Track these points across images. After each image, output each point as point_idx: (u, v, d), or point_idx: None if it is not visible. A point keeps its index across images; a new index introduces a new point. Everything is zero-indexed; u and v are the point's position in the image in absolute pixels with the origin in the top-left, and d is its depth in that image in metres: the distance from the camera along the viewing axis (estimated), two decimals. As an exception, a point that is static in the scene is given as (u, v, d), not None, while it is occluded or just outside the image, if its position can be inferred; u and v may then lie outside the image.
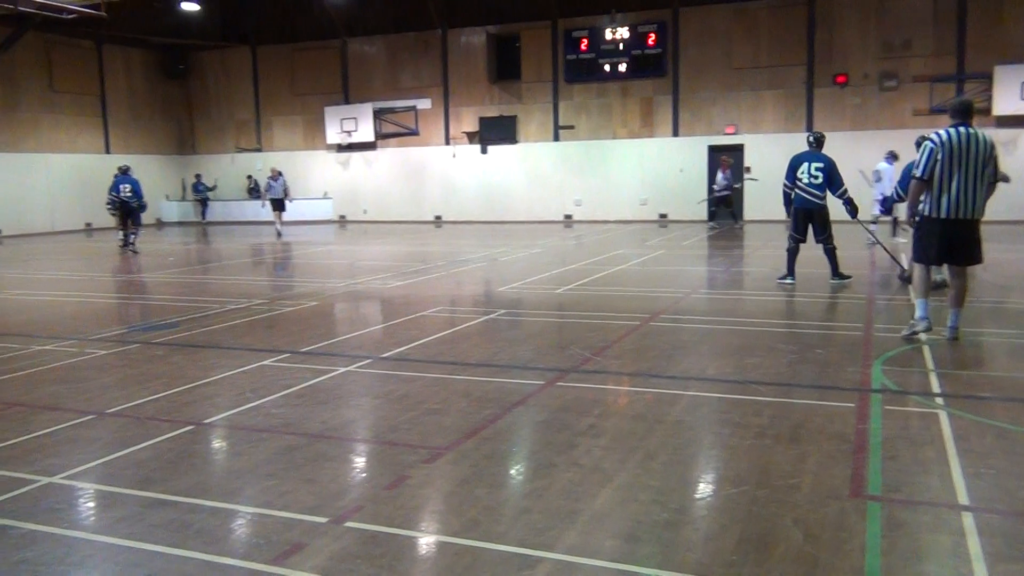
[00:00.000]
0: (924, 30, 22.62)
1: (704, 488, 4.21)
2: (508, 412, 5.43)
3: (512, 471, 4.48)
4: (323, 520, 3.75)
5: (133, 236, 18.89)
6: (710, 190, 23.75)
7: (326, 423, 5.30)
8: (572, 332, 8.39)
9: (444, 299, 10.68)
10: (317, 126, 29.31)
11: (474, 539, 3.55)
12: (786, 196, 11.32)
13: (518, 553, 3.41)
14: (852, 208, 11.11)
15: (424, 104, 27.72)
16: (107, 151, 28.61)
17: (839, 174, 10.91)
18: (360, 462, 4.74)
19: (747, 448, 4.64)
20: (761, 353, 7.08)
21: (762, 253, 15.96)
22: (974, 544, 3.42)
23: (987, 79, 21.67)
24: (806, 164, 10.93)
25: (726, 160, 22.61)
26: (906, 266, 10.86)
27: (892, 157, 16.71)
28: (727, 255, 16.32)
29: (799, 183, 10.96)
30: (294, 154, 29.78)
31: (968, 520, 3.66)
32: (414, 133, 27.90)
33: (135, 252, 18.32)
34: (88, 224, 27.62)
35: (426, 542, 3.62)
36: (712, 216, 23.88)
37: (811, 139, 11.21)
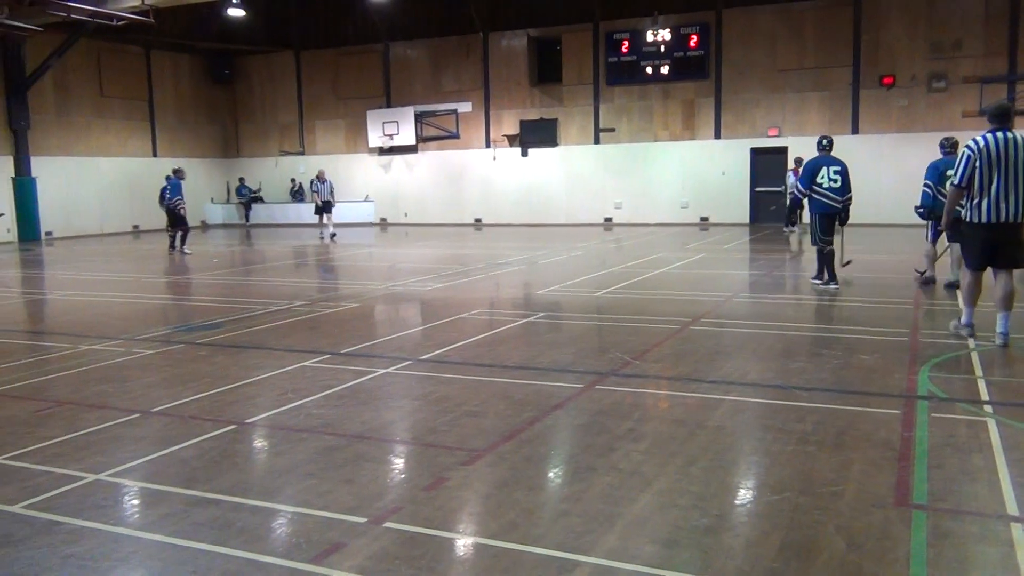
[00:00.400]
0: (975, 30, 22.13)
1: (745, 494, 4.16)
2: (547, 415, 5.42)
3: (550, 474, 4.47)
4: (362, 520, 3.78)
5: (176, 238, 19.24)
6: (786, 194, 22.52)
7: (366, 424, 5.34)
8: (612, 335, 8.36)
9: (483, 302, 10.71)
10: (359, 129, 29.58)
11: (512, 541, 3.55)
12: (796, 201, 11.40)
13: (556, 556, 3.40)
14: (847, 215, 11.09)
15: (465, 107, 27.84)
16: (154, 155, 29.18)
17: (850, 178, 10.88)
18: (399, 463, 4.76)
19: (789, 454, 4.58)
20: (804, 358, 6.98)
21: (807, 256, 15.73)
22: (1023, 555, 3.33)
23: (1040, 80, 21.15)
24: (825, 168, 10.85)
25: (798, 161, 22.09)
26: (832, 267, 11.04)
27: (798, 163, 16.90)
28: (769, 259, 16.12)
29: (818, 188, 10.85)
30: (336, 157, 30.10)
31: (1017, 531, 3.57)
32: (455, 136, 28.03)
33: (184, 254, 18.64)
34: (136, 226, 28.19)
35: (464, 544, 3.62)
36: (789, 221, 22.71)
37: (825, 143, 11.07)
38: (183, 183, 19.70)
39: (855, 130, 23.48)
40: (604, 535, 3.58)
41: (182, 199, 19.45)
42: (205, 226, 30.76)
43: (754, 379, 6.40)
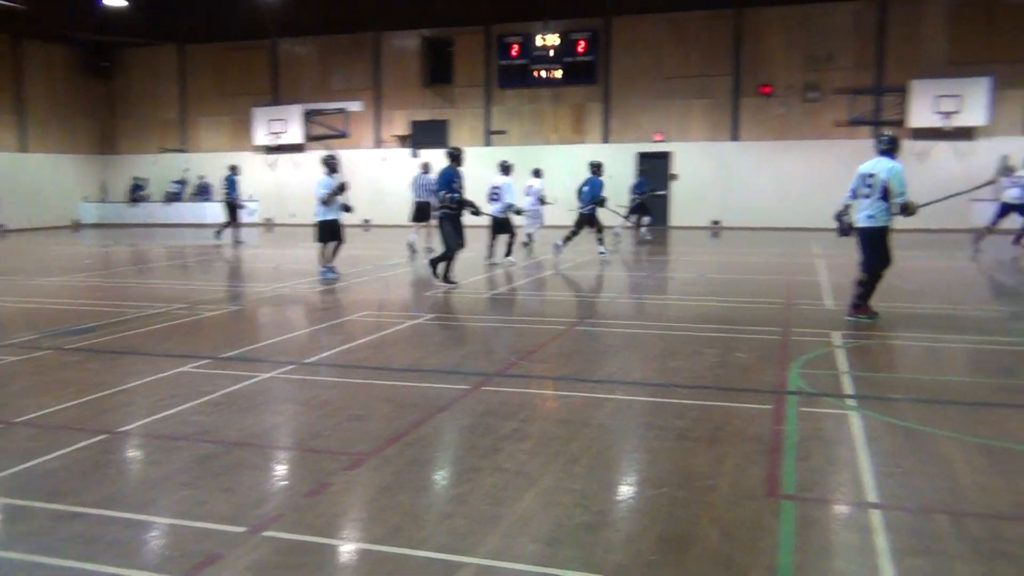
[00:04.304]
0: (845, 44, 23.34)
1: (626, 490, 4.26)
2: (432, 417, 5.41)
3: (435, 476, 4.47)
4: (241, 530, 3.68)
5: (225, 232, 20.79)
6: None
7: (246, 430, 5.20)
8: (499, 337, 8.42)
9: (372, 303, 10.59)
10: (244, 127, 28.75)
11: (396, 546, 3.53)
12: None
13: (440, 559, 3.40)
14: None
15: (355, 107, 27.43)
16: (23, 150, 27.57)
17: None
18: (280, 470, 4.66)
19: (668, 450, 4.72)
20: (683, 357, 7.21)
21: (686, 260, 16.25)
22: (881, 540, 3.54)
23: (902, 92, 22.47)
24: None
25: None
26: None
27: (536, 174, 18.27)
28: (654, 261, 16.55)
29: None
30: (220, 155, 29.11)
31: (876, 517, 3.79)
32: (344, 136, 27.59)
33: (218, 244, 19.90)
34: (2, 225, 26.56)
35: (347, 550, 3.58)
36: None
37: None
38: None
39: (735, 137, 24.41)
40: (488, 535, 3.60)
41: (235, 194, 20.73)
42: (78, 226, 29.26)
43: (636, 378, 6.56)
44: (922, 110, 22.11)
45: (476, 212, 12.28)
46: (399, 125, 27.44)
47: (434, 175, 18.44)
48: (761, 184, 23.66)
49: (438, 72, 27.09)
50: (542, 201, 18.34)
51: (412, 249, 17.31)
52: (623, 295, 11.69)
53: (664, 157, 24.77)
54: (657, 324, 9.30)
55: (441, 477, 4.45)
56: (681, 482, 4.23)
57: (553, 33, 25.03)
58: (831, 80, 23.46)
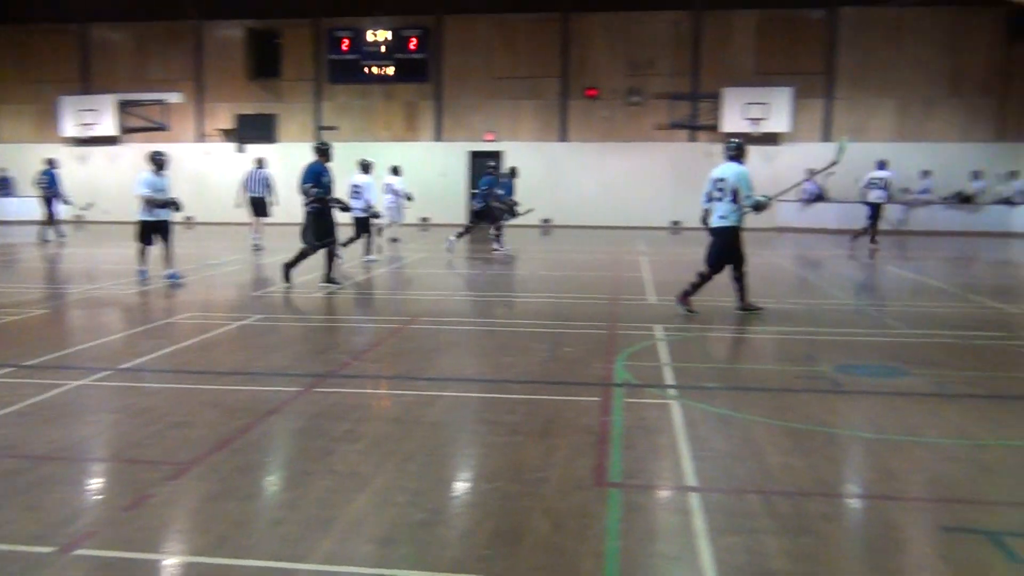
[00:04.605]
0: (665, 51, 24.55)
1: (459, 487, 4.30)
2: (261, 421, 5.24)
3: (264, 482, 4.34)
4: (48, 550, 3.42)
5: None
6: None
7: (55, 443, 4.83)
8: (332, 337, 8.27)
9: (194, 304, 10.10)
10: (51, 117, 26.64)
11: (222, 556, 3.39)
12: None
13: (270, 567, 3.31)
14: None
15: (174, 98, 25.99)
16: None
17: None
18: (94, 484, 4.37)
19: (501, 445, 4.80)
20: (515, 352, 7.35)
21: (519, 258, 16.56)
22: (700, 521, 3.75)
23: (716, 99, 23.91)
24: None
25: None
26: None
27: (394, 171, 18.34)
28: (487, 260, 16.75)
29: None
30: (23, 147, 26.86)
31: (695, 500, 4.01)
32: (162, 128, 26.13)
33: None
34: None
35: (169, 564, 3.41)
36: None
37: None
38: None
39: (564, 138, 25.12)
40: (320, 540, 3.53)
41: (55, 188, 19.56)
42: None
43: (469, 374, 6.63)
44: (734, 116, 23.59)
45: (345, 208, 11.80)
46: (223, 118, 26.30)
47: (269, 170, 18.08)
48: (588, 184, 24.48)
49: (265, 65, 26.20)
50: (408, 198, 18.56)
51: (256, 247, 17.01)
52: (458, 292, 11.77)
53: (496, 156, 25.09)
54: (489, 321, 9.44)
55: (271, 483, 4.33)
56: (513, 476, 4.31)
57: (384, 29, 24.81)
58: (652, 85, 24.61)
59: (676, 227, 24.49)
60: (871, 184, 17.21)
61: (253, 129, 25.91)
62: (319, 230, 11.05)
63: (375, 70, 25.08)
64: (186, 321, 8.92)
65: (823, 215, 22.96)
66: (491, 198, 16.46)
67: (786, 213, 23.73)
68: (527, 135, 25.29)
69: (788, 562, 3.37)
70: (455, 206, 25.38)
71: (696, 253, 16.42)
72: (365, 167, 15.57)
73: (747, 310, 9.25)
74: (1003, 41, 23.20)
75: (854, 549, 3.57)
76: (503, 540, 3.56)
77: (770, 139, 24.00)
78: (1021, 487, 4.27)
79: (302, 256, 11.19)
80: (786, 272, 14.65)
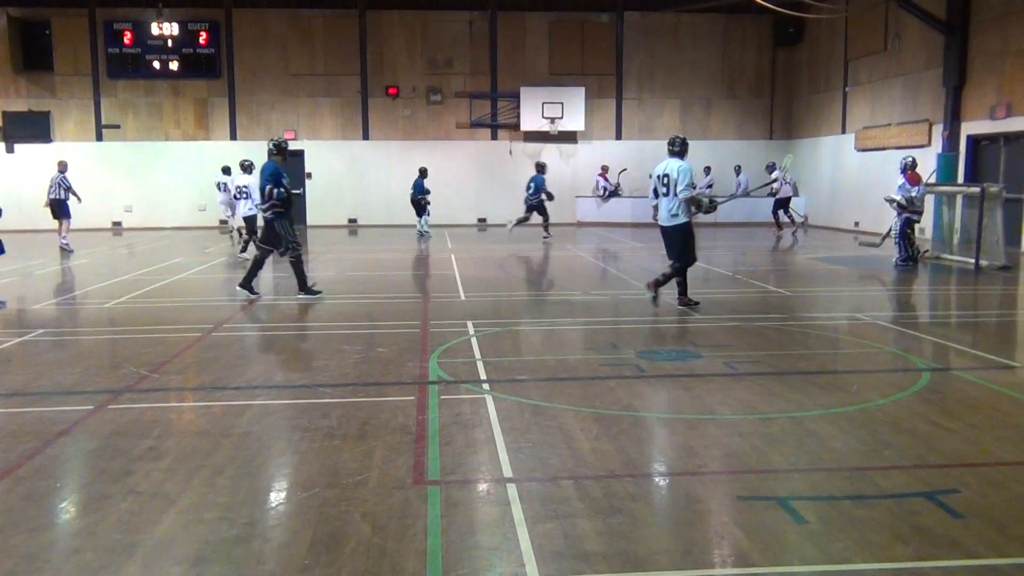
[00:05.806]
0: (463, 51, 24.85)
1: (274, 497, 4.17)
2: (50, 444, 4.82)
3: (57, 510, 3.99)
4: None
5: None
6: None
7: None
8: (126, 349, 7.74)
9: (-37, 322, 9.12)
10: None
11: (10, 595, 3.10)
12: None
13: (67, 601, 3.06)
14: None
15: (-76, 93, 23.35)
16: None
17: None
18: None
19: (316, 451, 4.70)
20: (327, 355, 7.20)
21: (325, 258, 16.24)
22: (518, 511, 3.85)
23: (516, 98, 24.51)
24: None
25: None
26: None
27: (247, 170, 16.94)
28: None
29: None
30: None
31: (512, 490, 4.11)
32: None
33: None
34: None
35: (-55, 610, 3.07)
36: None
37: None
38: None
39: (366, 136, 24.84)
40: (124, 566, 3.31)
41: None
42: None
43: (280, 381, 6.43)
44: (532, 115, 24.31)
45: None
46: (-13, 115, 23.86)
47: (69, 174, 17.14)
48: (393, 183, 24.33)
49: (34, 57, 24.02)
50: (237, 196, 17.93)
51: (65, 250, 16.45)
52: (265, 296, 11.34)
53: (297, 155, 24.43)
54: (299, 325, 9.20)
55: (64, 510, 3.99)
56: (331, 481, 4.23)
57: (169, 22, 23.45)
58: (452, 84, 24.87)
59: (483, 224, 24.89)
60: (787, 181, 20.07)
61: (23, 127, 23.73)
62: (269, 235, 10.53)
63: (161, 65, 23.71)
64: (-48, 340, 8.03)
65: (618, 210, 24.12)
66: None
67: (584, 209, 24.78)
68: (328, 133, 24.80)
69: (602, 543, 3.53)
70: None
71: (504, 250, 16.88)
72: (246, 168, 15.37)
73: (689, 305, 9.47)
74: (769, 46, 25.38)
75: (661, 524, 3.80)
76: (323, 548, 3.48)
77: (568, 137, 24.93)
78: (802, 454, 4.70)
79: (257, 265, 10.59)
80: (589, 265, 15.27)
